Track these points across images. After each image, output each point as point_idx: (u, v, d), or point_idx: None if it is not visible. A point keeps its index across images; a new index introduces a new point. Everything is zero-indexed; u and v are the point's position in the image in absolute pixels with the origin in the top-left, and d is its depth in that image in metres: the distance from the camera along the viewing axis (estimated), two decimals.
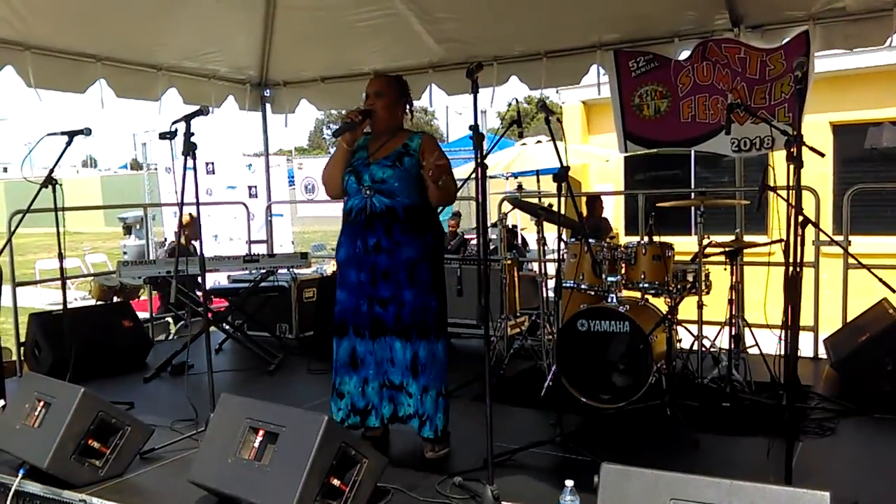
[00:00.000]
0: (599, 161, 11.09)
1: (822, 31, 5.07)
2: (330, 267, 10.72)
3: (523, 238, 11.21)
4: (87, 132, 4.14)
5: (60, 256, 4.37)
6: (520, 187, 5.53)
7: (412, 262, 3.49)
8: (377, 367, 3.55)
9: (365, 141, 3.62)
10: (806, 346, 5.19)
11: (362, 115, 3.49)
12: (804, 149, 3.46)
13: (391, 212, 3.46)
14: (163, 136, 3.53)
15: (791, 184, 3.04)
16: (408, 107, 3.71)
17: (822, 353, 5.10)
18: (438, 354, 3.56)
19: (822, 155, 3.51)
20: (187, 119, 3.51)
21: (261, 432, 2.92)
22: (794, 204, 2.87)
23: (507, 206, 5.78)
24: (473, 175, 3.15)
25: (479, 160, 3.01)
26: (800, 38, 5.03)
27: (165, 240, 11.10)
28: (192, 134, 3.50)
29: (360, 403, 3.60)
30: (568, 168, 3.44)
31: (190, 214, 7.68)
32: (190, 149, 3.47)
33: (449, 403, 3.65)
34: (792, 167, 2.84)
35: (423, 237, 3.53)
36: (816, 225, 4.12)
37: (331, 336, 3.67)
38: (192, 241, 7.61)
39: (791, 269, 2.85)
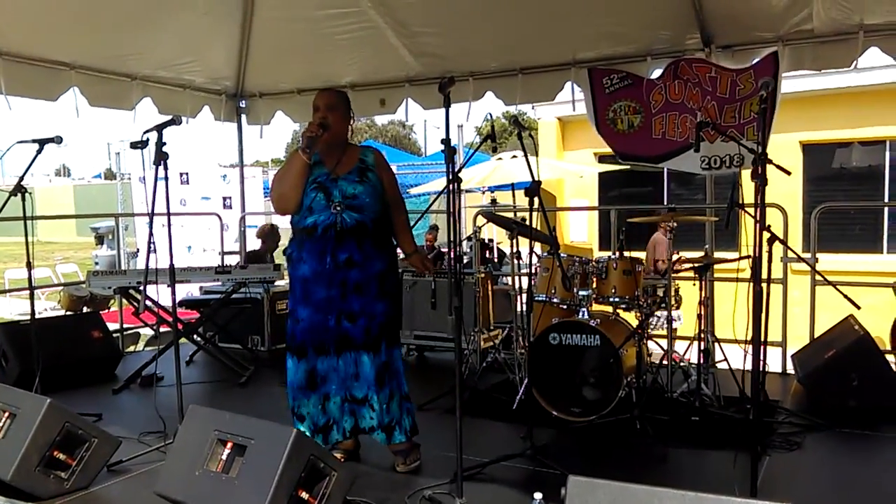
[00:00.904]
0: (574, 176, 11.19)
1: (790, 52, 5.18)
2: None
3: (500, 251, 11.26)
4: (58, 140, 4.12)
5: (29, 265, 4.32)
6: (493, 202, 5.58)
7: (382, 275, 3.54)
8: (340, 383, 3.54)
9: (317, 156, 3.55)
10: (775, 362, 5.26)
11: (321, 129, 3.46)
12: (772, 167, 3.55)
13: (361, 226, 3.47)
14: (134, 145, 3.52)
15: (760, 201, 3.10)
16: (351, 118, 3.71)
17: (791, 369, 5.17)
18: (399, 361, 3.64)
19: (788, 173, 3.58)
20: (159, 129, 3.51)
21: (229, 444, 2.90)
22: (761, 221, 2.92)
23: (481, 220, 5.81)
24: (445, 189, 3.18)
25: (451, 174, 3.03)
26: (769, 58, 5.14)
27: (138, 251, 10.98)
28: (164, 143, 3.49)
29: (322, 420, 3.58)
30: (539, 182, 3.48)
31: (272, 224, 7.62)
32: (161, 158, 3.46)
33: (412, 407, 3.69)
34: (756, 185, 2.88)
35: (389, 250, 3.61)
36: (783, 242, 4.19)
37: (287, 353, 3.63)
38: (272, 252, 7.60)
39: (755, 284, 2.90)
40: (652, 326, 5.27)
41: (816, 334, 5.16)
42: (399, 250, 3.74)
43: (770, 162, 3.43)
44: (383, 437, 3.57)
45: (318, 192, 3.47)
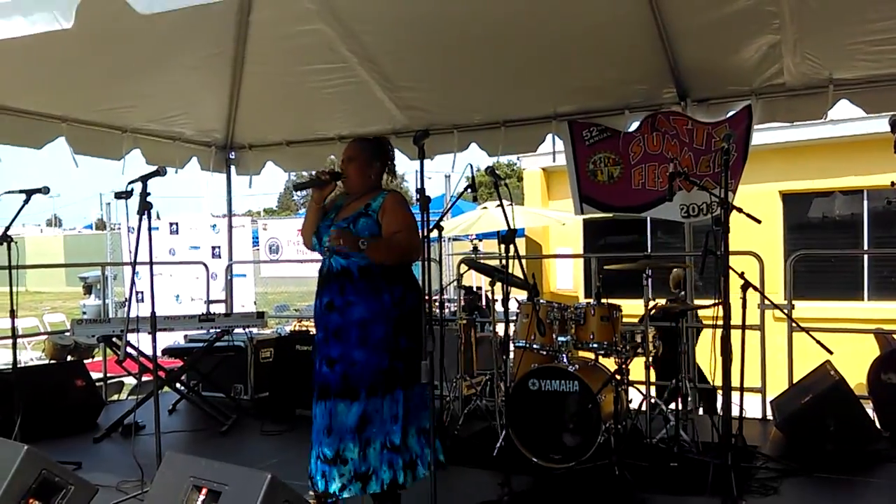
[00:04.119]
0: (557, 224, 11.34)
1: (763, 105, 5.34)
2: (290, 328, 10.68)
3: (488, 299, 11.32)
4: (45, 191, 4.20)
5: (12, 314, 4.36)
6: (475, 249, 5.65)
7: (364, 322, 3.41)
8: (316, 436, 3.49)
9: (342, 201, 3.67)
10: (755, 408, 5.29)
11: (331, 176, 3.54)
12: (743, 215, 3.65)
13: (346, 272, 3.48)
14: (119, 195, 3.60)
15: (724, 249, 3.19)
16: (383, 165, 3.72)
17: (771, 415, 5.19)
18: (387, 409, 3.45)
19: (758, 221, 3.68)
20: (144, 179, 3.59)
21: (204, 490, 2.90)
22: (724, 268, 3.01)
23: (464, 268, 5.89)
24: (424, 236, 3.29)
25: (426, 222, 3.11)
26: (743, 111, 5.31)
27: (126, 300, 10.98)
28: (149, 194, 3.57)
29: (312, 469, 3.53)
30: (514, 230, 3.56)
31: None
32: (145, 208, 3.53)
33: (396, 458, 3.48)
34: (721, 232, 2.98)
35: (379, 297, 3.44)
36: (756, 288, 4.28)
37: None
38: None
39: (723, 329, 2.97)
40: None
41: (795, 380, 5.20)
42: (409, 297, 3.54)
43: (737, 209, 3.55)
44: (358, 486, 3.42)
45: (316, 238, 3.60)
